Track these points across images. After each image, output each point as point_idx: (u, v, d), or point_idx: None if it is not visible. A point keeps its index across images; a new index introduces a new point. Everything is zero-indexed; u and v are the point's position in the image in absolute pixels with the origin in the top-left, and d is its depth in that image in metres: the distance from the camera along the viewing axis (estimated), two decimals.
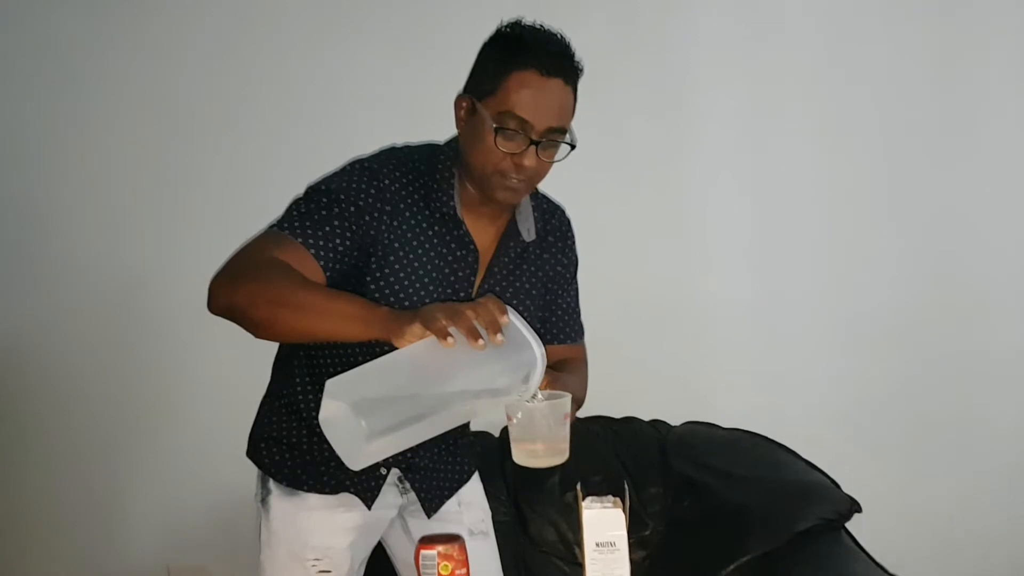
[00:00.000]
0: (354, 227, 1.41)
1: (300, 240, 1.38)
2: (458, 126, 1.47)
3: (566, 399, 1.28)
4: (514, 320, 1.19)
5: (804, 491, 2.23)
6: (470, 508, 1.72)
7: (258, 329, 1.33)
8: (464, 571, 1.38)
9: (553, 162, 1.44)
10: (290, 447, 1.59)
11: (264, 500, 1.61)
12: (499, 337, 1.15)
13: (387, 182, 1.45)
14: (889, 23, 2.58)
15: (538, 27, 1.43)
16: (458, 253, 1.50)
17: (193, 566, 2.62)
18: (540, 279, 1.60)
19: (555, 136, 1.40)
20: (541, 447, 1.27)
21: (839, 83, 2.58)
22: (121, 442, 2.64)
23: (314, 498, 1.58)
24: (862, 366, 2.59)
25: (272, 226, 1.42)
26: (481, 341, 1.14)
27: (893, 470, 2.56)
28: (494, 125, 1.38)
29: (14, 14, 2.58)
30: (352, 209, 1.41)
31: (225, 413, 2.55)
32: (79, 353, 2.63)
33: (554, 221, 1.64)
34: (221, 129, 2.58)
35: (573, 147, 1.43)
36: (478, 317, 1.15)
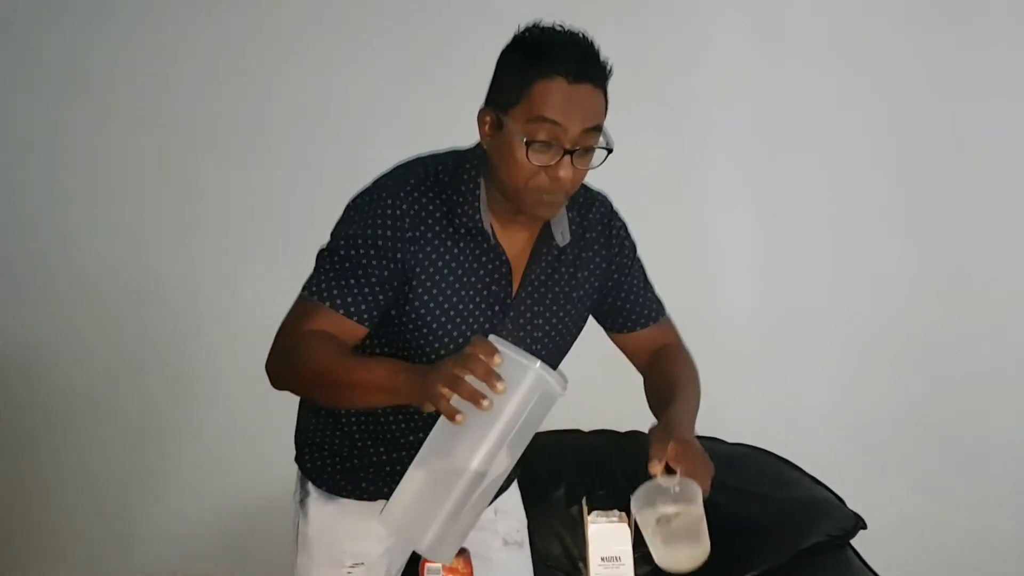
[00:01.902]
0: (379, 271, 1.39)
1: (329, 305, 1.38)
2: (483, 142, 1.40)
3: (694, 491, 1.26)
4: (508, 352, 1.16)
5: (809, 507, 2.22)
6: (506, 517, 1.70)
7: (316, 402, 1.42)
8: None
9: (589, 169, 1.36)
10: (331, 453, 1.59)
11: (303, 501, 1.62)
12: (500, 386, 1.13)
13: (404, 207, 1.39)
14: (898, 38, 2.59)
15: (559, 29, 1.35)
16: (489, 267, 1.44)
17: (200, 573, 2.63)
18: (585, 280, 1.53)
19: (589, 141, 1.33)
20: (683, 550, 1.27)
21: (848, 96, 2.59)
22: (131, 450, 2.66)
23: (352, 504, 1.58)
24: (869, 379, 2.59)
25: (304, 288, 1.43)
26: (486, 402, 1.13)
27: (900, 485, 2.56)
28: (524, 139, 1.30)
29: (21, 22, 2.61)
30: (372, 252, 1.38)
31: (235, 422, 2.59)
32: (90, 361, 2.65)
33: (592, 215, 1.54)
34: (231, 138, 2.60)
35: (610, 151, 1.35)
36: (474, 372, 1.13)
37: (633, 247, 1.60)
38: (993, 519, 2.56)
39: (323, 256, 1.43)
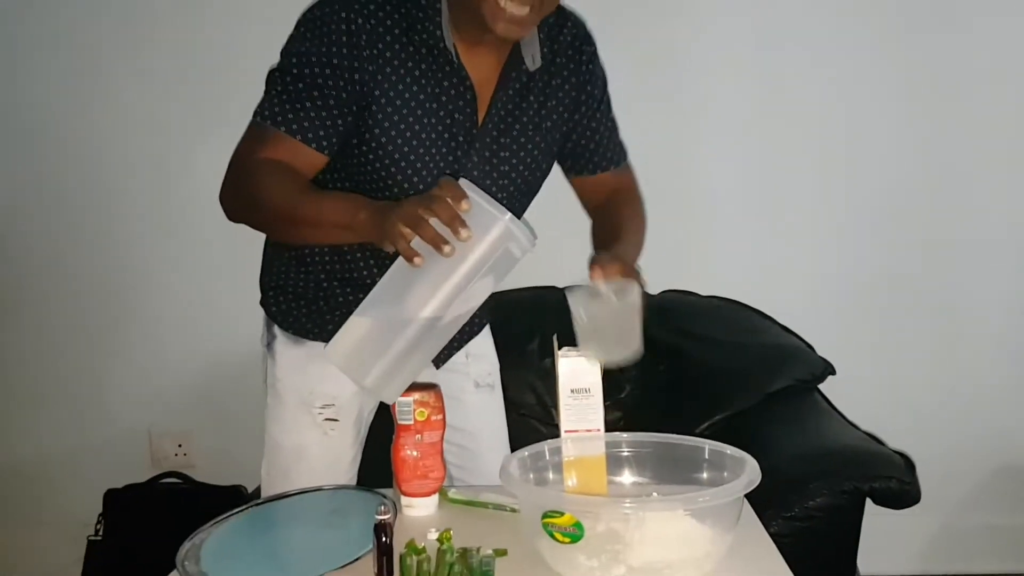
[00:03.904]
0: (335, 92, 1.30)
1: (284, 130, 1.30)
2: None
3: (633, 289, 1.22)
4: (476, 199, 1.11)
5: (779, 353, 2.25)
6: (478, 360, 1.69)
7: (272, 238, 1.35)
8: (440, 417, 1.39)
9: None
10: (296, 296, 1.54)
11: (269, 345, 1.57)
12: (464, 232, 1.08)
13: (360, 21, 1.29)
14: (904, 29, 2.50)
15: None
16: (452, 92, 1.35)
17: (174, 431, 2.66)
18: (554, 109, 1.45)
19: None
20: (615, 344, 1.24)
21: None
22: (98, 314, 2.64)
23: (320, 346, 1.50)
24: (848, 247, 2.57)
25: (255, 113, 1.34)
26: (447, 247, 1.08)
27: (870, 342, 2.58)
28: None
29: (19, 13, 2.51)
30: (328, 71, 1.29)
31: (202, 281, 2.57)
32: (57, 225, 2.61)
33: (563, 37, 1.44)
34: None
35: None
36: (438, 215, 1.08)
37: (604, 79, 1.52)
38: (963, 373, 2.59)
39: (274, 77, 1.33)
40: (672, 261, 2.36)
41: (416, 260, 1.10)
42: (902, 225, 2.56)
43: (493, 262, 1.14)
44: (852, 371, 2.34)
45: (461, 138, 1.39)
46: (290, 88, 1.31)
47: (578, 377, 1.29)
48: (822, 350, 2.33)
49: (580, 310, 1.22)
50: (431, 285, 1.14)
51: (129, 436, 2.64)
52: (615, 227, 1.47)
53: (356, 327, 1.19)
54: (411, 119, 1.35)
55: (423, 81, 1.35)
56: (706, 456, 1.25)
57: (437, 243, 1.08)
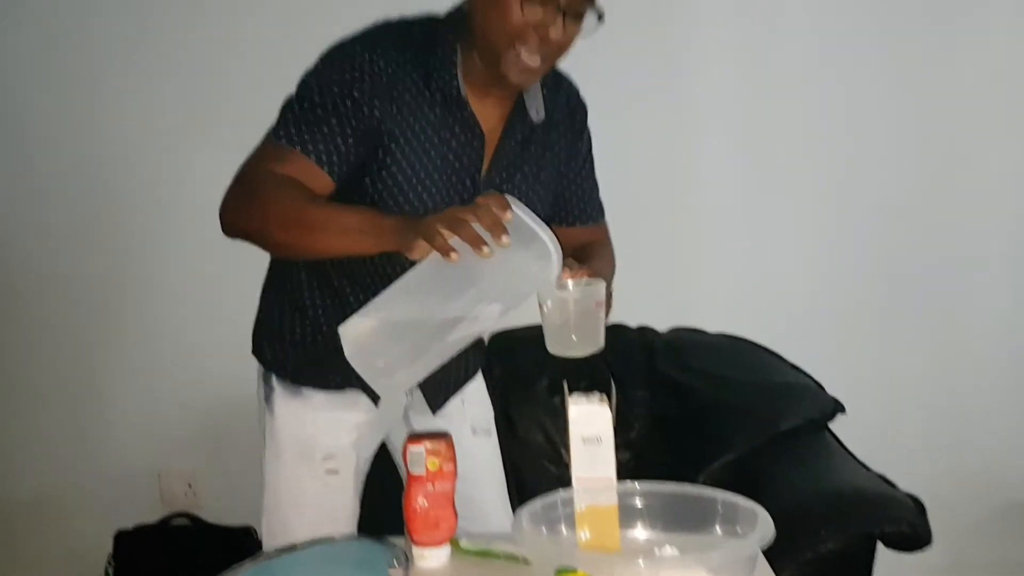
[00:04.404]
0: (353, 122, 1.33)
1: (300, 149, 1.32)
2: None
3: (599, 286, 1.26)
4: (519, 213, 1.14)
5: (788, 391, 2.25)
6: (474, 406, 1.70)
7: (275, 251, 1.35)
8: (451, 467, 1.39)
9: (577, 37, 1.33)
10: (293, 344, 1.55)
11: (268, 398, 1.57)
12: (505, 239, 1.11)
13: (382, 63, 1.34)
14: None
15: None
16: (462, 137, 1.41)
17: (184, 470, 2.65)
18: (550, 161, 1.52)
19: (581, 7, 1.30)
20: (575, 336, 1.26)
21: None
22: (106, 350, 2.64)
23: (319, 396, 1.55)
24: (852, 271, 2.58)
25: (269, 134, 1.36)
26: (487, 248, 1.10)
27: (878, 374, 2.58)
28: None
29: (20, 11, 2.53)
30: (348, 104, 1.33)
31: (210, 320, 2.57)
32: (63, 261, 2.61)
33: (559, 96, 1.52)
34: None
35: (601, 17, 1.33)
36: (480, 220, 1.10)
37: (590, 139, 1.60)
38: (971, 406, 2.59)
39: (291, 104, 1.36)
40: (669, 270, 2.44)
41: (453, 255, 1.11)
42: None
43: (526, 273, 1.16)
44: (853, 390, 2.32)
45: (468, 182, 1.44)
46: (308, 114, 1.34)
47: (589, 425, 1.30)
48: (822, 363, 2.33)
49: (547, 301, 1.25)
50: (463, 281, 1.15)
51: (139, 475, 2.63)
52: (587, 255, 1.50)
53: (377, 309, 1.20)
54: (424, 159, 1.39)
55: (436, 125, 1.40)
56: (719, 508, 1.25)
57: (477, 243, 1.11)
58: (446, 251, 1.11)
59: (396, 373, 1.20)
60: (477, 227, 1.11)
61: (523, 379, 2.31)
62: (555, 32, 1.29)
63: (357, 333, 1.19)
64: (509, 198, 1.15)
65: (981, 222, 2.56)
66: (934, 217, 2.55)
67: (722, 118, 2.54)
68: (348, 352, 1.19)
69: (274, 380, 1.57)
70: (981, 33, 2.50)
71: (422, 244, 1.14)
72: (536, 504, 1.28)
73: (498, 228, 1.11)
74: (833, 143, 2.55)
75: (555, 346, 1.28)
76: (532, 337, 2.30)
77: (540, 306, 1.26)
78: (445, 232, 1.11)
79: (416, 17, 1.44)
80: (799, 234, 2.59)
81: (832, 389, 2.29)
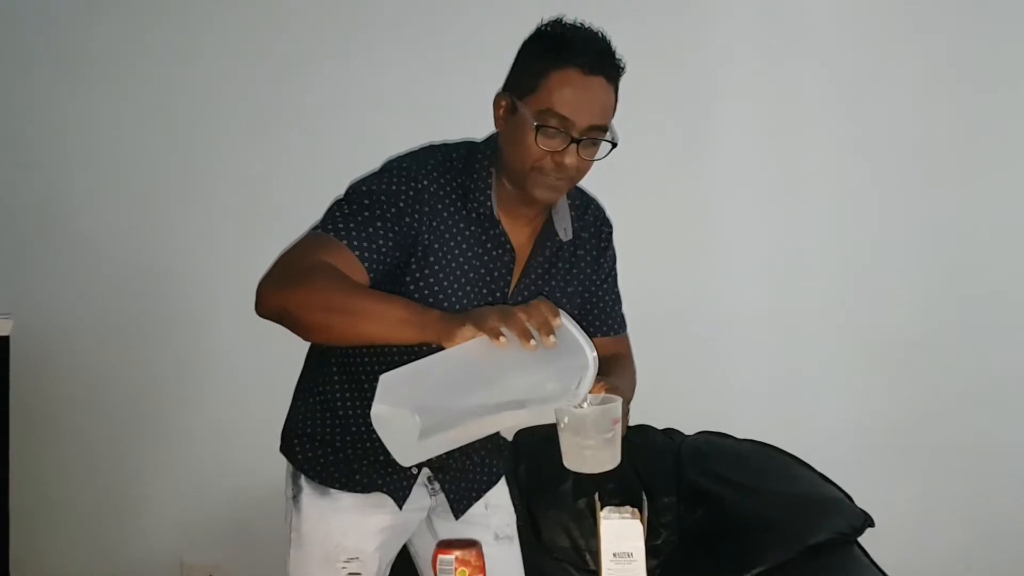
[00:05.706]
0: (395, 228, 1.41)
1: (344, 242, 1.38)
2: (497, 125, 1.47)
3: (616, 404, 1.27)
4: (567, 324, 1.18)
5: (818, 504, 2.23)
6: (497, 511, 1.71)
7: (311, 334, 1.37)
8: None
9: (594, 160, 1.44)
10: (323, 444, 1.58)
11: (295, 497, 1.60)
12: (551, 339, 1.14)
13: (425, 183, 1.45)
14: (913, 34, 2.58)
15: (579, 25, 1.43)
16: (494, 253, 1.50)
17: (207, 564, 2.64)
18: (576, 276, 1.60)
19: (596, 134, 1.40)
20: (591, 453, 1.27)
21: (860, 93, 2.59)
22: (136, 438, 2.64)
23: (346, 498, 1.57)
24: (878, 380, 2.59)
25: (315, 228, 1.42)
26: (533, 342, 1.14)
27: (908, 486, 2.55)
28: (535, 123, 1.38)
29: (25, 13, 2.61)
30: (393, 211, 1.42)
31: (241, 410, 2.59)
32: (94, 348, 2.64)
33: (588, 217, 1.62)
34: (234, 127, 2.60)
35: (614, 145, 1.43)
36: (530, 319, 1.15)
37: (615, 256, 1.67)
38: (1002, 522, 2.55)
39: (339, 203, 1.45)
40: (695, 371, 2.48)
41: (502, 339, 1.14)
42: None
43: (561, 385, 1.18)
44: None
45: (498, 295, 1.51)
46: (356, 214, 1.41)
47: (621, 541, 1.30)
48: (849, 470, 2.30)
49: (564, 418, 1.25)
50: (509, 362, 1.16)
51: (161, 565, 2.61)
52: (608, 369, 1.49)
53: (424, 371, 1.20)
54: (457, 272, 1.47)
55: (471, 241, 1.49)
56: None
57: (525, 335, 1.14)
58: (496, 333, 1.14)
59: (430, 437, 1.20)
60: (526, 324, 1.15)
61: (549, 480, 2.30)
62: (570, 159, 1.39)
63: (399, 382, 1.19)
64: (560, 310, 1.18)
65: None
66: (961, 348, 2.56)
67: (750, 232, 2.61)
68: (384, 394, 1.19)
69: (303, 480, 1.60)
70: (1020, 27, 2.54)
71: (468, 329, 1.17)
72: None
73: (546, 328, 1.15)
74: (861, 252, 2.59)
75: (571, 462, 1.29)
76: (555, 438, 2.33)
77: (558, 422, 1.27)
78: (496, 320, 1.15)
79: (457, 142, 1.55)
80: (825, 337, 2.60)
81: (860, 500, 2.27)
